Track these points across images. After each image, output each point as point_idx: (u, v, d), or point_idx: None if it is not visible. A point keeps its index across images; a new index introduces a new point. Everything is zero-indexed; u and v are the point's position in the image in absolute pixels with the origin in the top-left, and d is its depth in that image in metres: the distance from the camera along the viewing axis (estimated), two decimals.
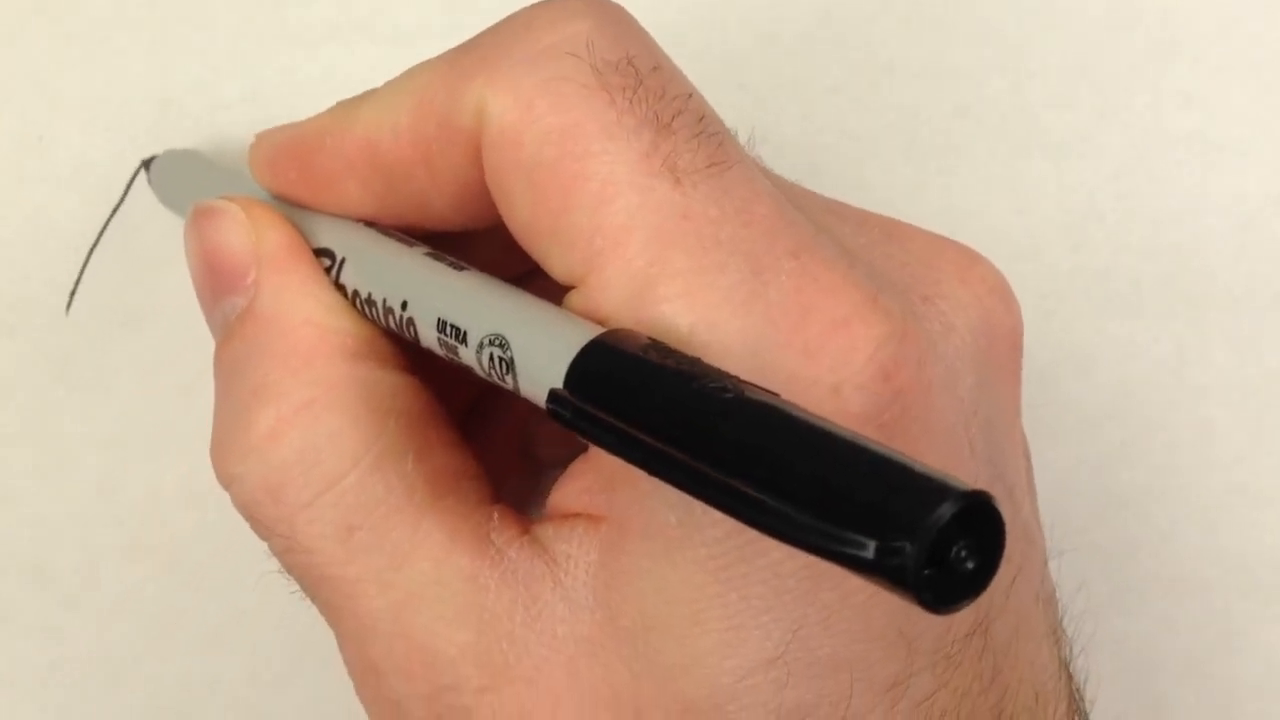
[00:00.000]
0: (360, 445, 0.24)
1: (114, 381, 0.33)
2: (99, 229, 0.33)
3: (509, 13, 0.25)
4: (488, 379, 0.23)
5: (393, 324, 0.25)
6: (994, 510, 0.17)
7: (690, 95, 0.24)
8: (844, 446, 0.18)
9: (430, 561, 0.24)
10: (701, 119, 0.23)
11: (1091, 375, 0.35)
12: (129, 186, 0.33)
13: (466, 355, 0.23)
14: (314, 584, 0.25)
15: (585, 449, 0.24)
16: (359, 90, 0.27)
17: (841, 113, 0.36)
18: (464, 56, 0.24)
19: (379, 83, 0.26)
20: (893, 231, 0.25)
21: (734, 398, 0.19)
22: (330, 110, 0.27)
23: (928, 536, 0.17)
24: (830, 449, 0.18)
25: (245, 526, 0.34)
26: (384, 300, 0.25)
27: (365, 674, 0.25)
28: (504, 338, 0.23)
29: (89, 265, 0.33)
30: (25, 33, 0.33)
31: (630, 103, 0.23)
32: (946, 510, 0.17)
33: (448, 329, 0.24)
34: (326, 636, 0.34)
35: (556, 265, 0.23)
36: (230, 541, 0.34)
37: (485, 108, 0.23)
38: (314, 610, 0.35)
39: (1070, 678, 0.26)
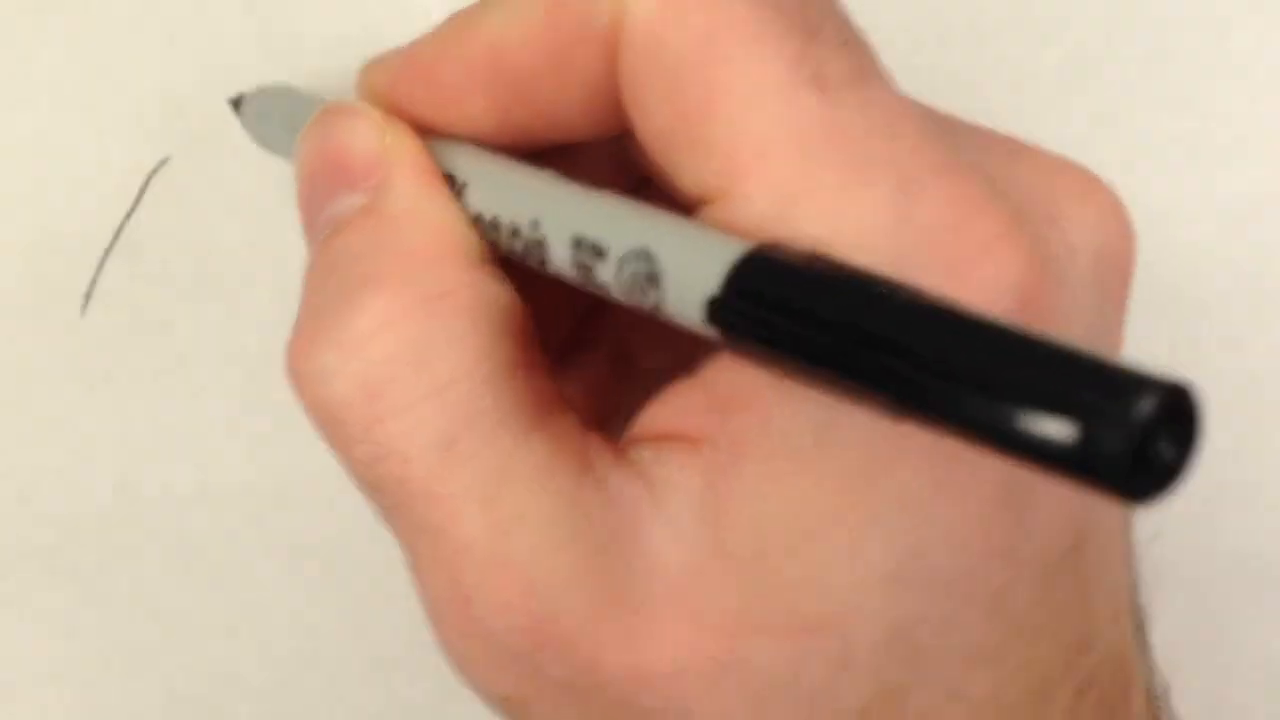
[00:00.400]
0: (475, 354, 0.23)
1: (129, 382, 0.34)
2: (114, 230, 0.33)
3: None
4: (625, 298, 0.22)
5: (518, 247, 0.24)
6: (1196, 402, 0.17)
7: (834, 2, 0.23)
8: (1037, 344, 0.17)
9: (534, 482, 0.23)
10: (846, 26, 0.23)
11: None
12: (144, 187, 0.33)
13: (604, 273, 0.22)
14: (405, 500, 0.23)
15: (684, 370, 0.24)
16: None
17: None
18: None
19: None
20: (1015, 151, 0.24)
21: (913, 302, 0.19)
22: (448, 23, 0.25)
23: (1137, 423, 0.16)
24: (1023, 347, 0.18)
25: (260, 524, 0.34)
26: (511, 221, 0.24)
27: (451, 604, 0.23)
28: (649, 251, 0.22)
29: (104, 267, 0.33)
30: (41, 33, 0.33)
31: (778, 8, 0.22)
32: (1155, 398, 0.16)
33: (584, 246, 0.23)
34: (339, 634, 0.34)
35: (689, 178, 0.22)
36: (245, 540, 0.34)
37: (625, 6, 0.22)
38: (329, 606, 0.35)
39: (1136, 596, 0.26)
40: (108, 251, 0.33)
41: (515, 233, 0.24)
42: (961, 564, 0.22)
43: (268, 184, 0.34)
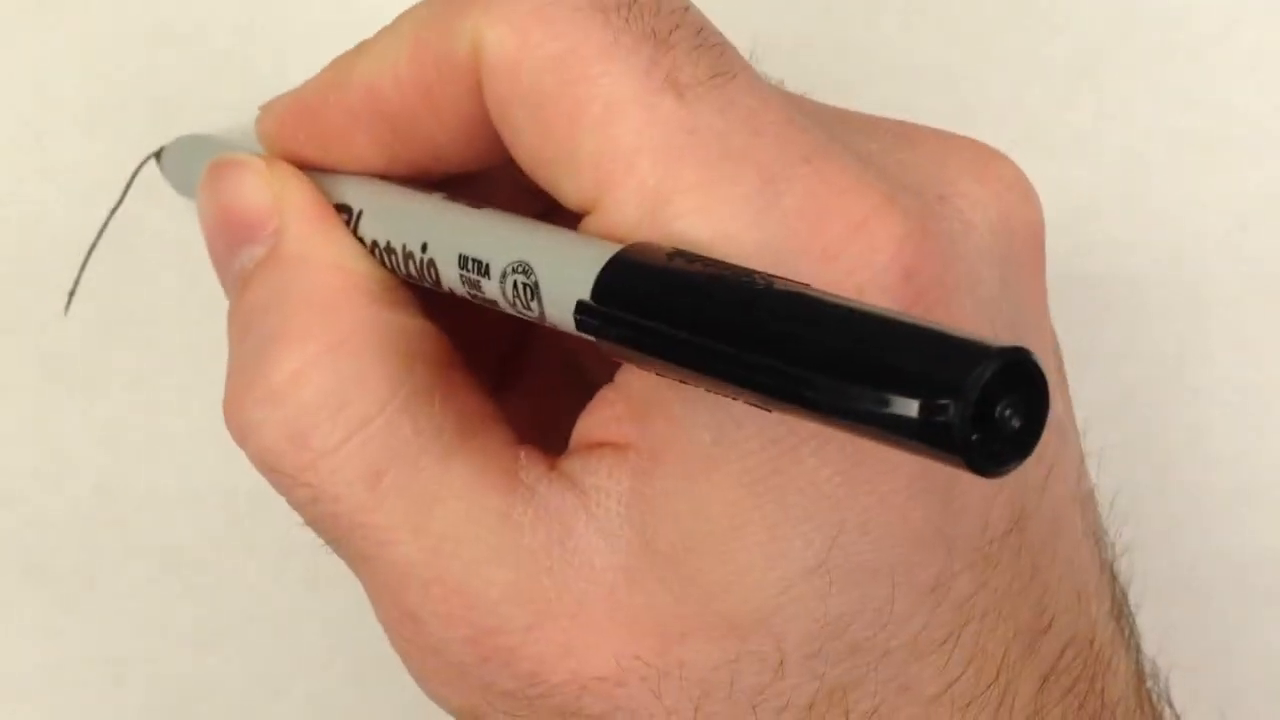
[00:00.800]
0: (387, 388, 0.24)
1: (113, 381, 0.33)
2: (98, 229, 0.33)
3: None
4: (513, 310, 0.23)
5: (413, 270, 0.25)
6: (1035, 367, 0.17)
7: (687, 8, 0.23)
8: (881, 321, 0.18)
9: (462, 502, 0.24)
10: (700, 31, 0.23)
11: (1091, 375, 0.35)
12: (128, 186, 0.33)
13: (490, 289, 0.23)
14: (343, 534, 0.25)
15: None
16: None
17: None
18: None
19: None
20: (904, 134, 0.25)
21: (765, 288, 0.19)
22: (328, 67, 0.26)
23: (972, 392, 0.16)
24: (867, 324, 0.18)
25: (244, 526, 0.34)
26: (404, 246, 0.25)
27: (401, 623, 0.24)
28: (527, 264, 0.22)
29: (88, 265, 0.33)
30: (25, 32, 0.33)
31: (626, 21, 0.23)
32: (989, 366, 0.16)
33: (469, 264, 0.23)
34: (325, 637, 0.34)
35: (568, 193, 0.23)
36: (230, 541, 0.34)
37: (481, 40, 0.23)
38: (314, 610, 0.35)
39: (1114, 579, 0.26)
40: (91, 250, 0.33)
41: (409, 257, 0.25)
42: (886, 553, 0.22)
43: None
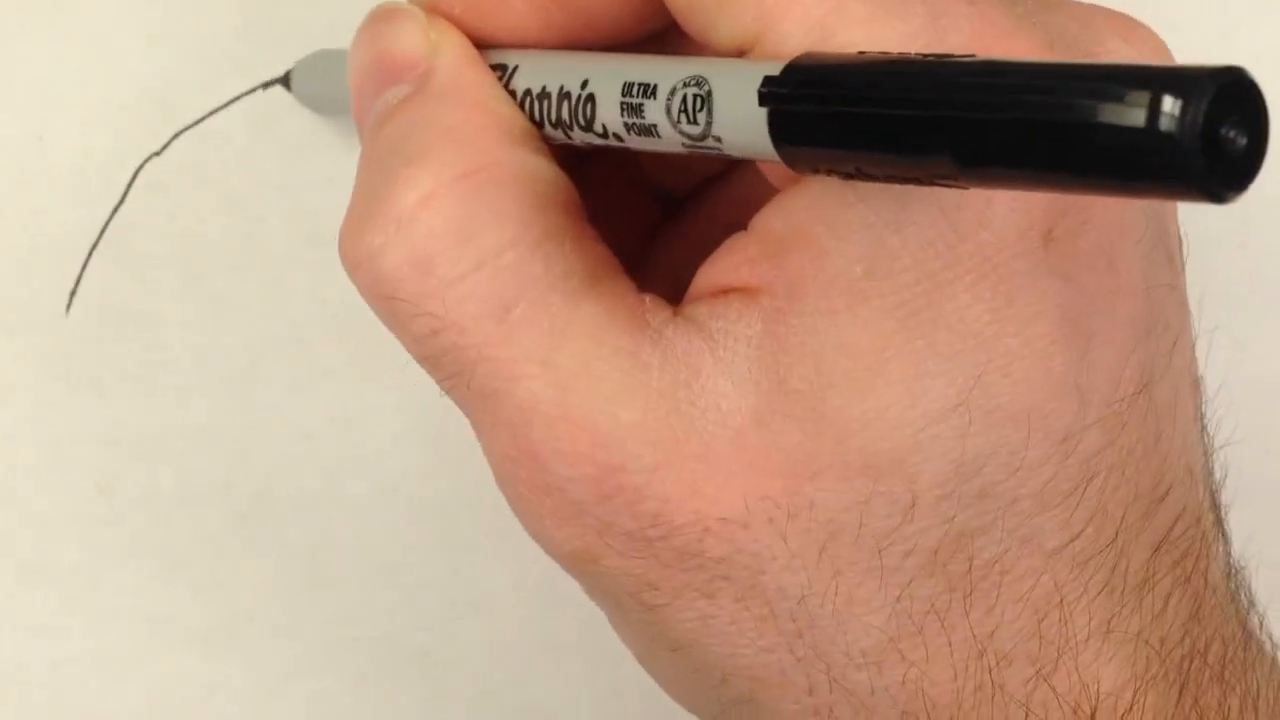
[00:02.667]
0: (520, 223, 0.24)
1: (114, 381, 0.33)
2: (99, 229, 0.33)
3: None
4: (673, 129, 0.23)
5: (565, 113, 0.25)
6: (1256, 86, 0.17)
7: None
8: (1090, 69, 0.17)
9: (591, 341, 0.23)
10: None
11: None
12: (129, 186, 0.33)
13: (653, 111, 0.23)
14: (465, 368, 0.24)
15: (725, 231, 0.24)
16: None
17: None
18: None
19: None
20: (1050, 2, 0.25)
21: (961, 59, 0.19)
22: None
23: (1201, 97, 0.16)
24: (1077, 73, 0.17)
25: (244, 526, 0.34)
26: (560, 87, 0.25)
27: (519, 462, 0.24)
28: (700, 76, 0.22)
29: (89, 265, 0.33)
30: (25, 33, 0.33)
31: None
32: (1214, 80, 0.16)
33: (634, 90, 0.23)
34: (325, 637, 0.34)
35: (724, 35, 0.23)
36: (230, 541, 0.34)
37: None
38: (314, 610, 0.35)
39: (1211, 470, 0.26)
40: (92, 250, 0.33)
41: (565, 97, 0.24)
42: (1025, 398, 0.22)
43: (254, 183, 0.33)
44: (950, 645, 0.23)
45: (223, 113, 0.33)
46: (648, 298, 0.24)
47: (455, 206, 0.24)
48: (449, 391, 0.25)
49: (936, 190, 0.21)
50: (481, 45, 0.26)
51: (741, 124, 0.21)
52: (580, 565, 0.24)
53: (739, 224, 0.24)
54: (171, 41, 0.33)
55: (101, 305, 0.33)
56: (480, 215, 0.24)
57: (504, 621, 0.35)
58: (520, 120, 0.25)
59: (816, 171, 0.21)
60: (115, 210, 0.33)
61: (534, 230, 0.24)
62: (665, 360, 0.23)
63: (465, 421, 0.34)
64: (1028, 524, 0.23)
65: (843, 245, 0.22)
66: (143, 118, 0.33)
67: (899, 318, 0.22)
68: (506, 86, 0.26)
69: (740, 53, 0.23)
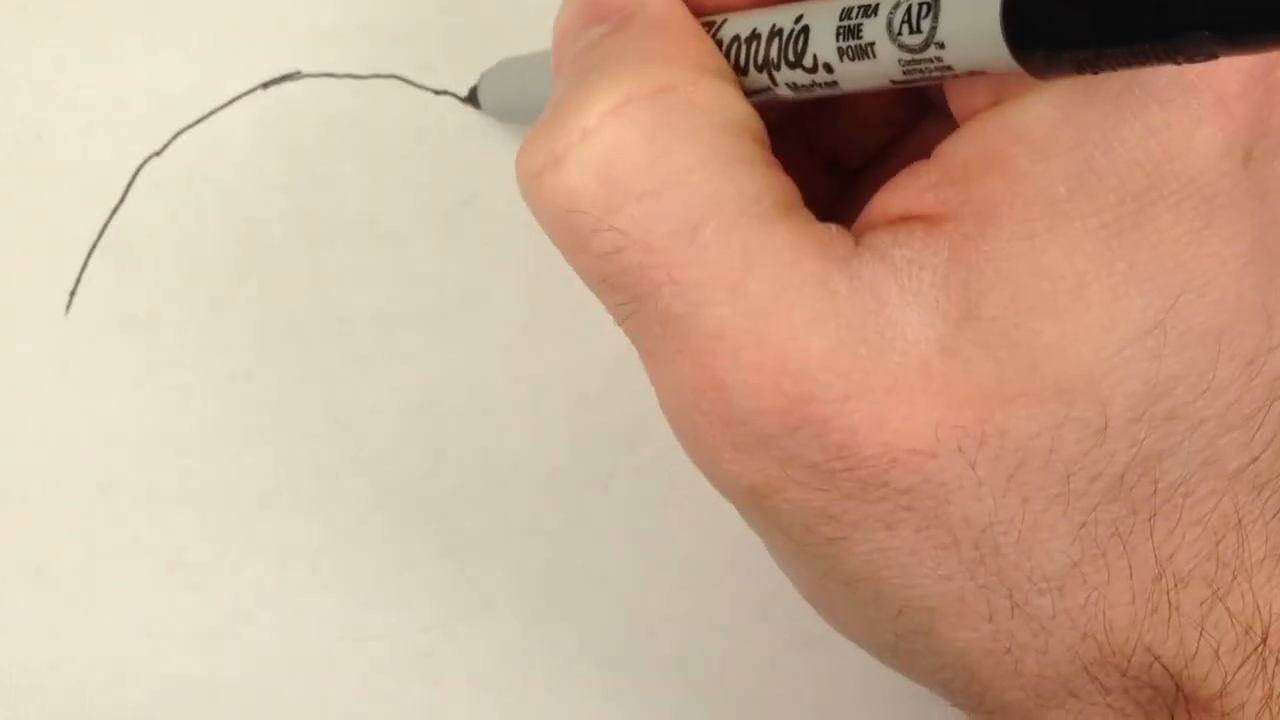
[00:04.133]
0: (712, 144, 0.23)
1: (114, 381, 0.33)
2: (99, 229, 0.33)
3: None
4: (892, 45, 0.22)
5: (774, 52, 0.24)
6: None
7: None
8: None
9: (781, 266, 0.23)
10: None
11: None
12: (129, 186, 0.33)
13: (872, 29, 0.22)
14: (649, 290, 0.23)
15: (902, 159, 0.24)
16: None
17: None
18: None
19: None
20: None
21: None
22: None
23: None
24: None
25: (244, 526, 0.34)
26: (772, 26, 0.24)
27: (702, 394, 0.23)
28: None
29: (89, 265, 0.33)
30: (25, 33, 0.33)
31: None
32: None
33: (854, 12, 0.22)
34: (325, 637, 0.34)
35: None
36: (230, 541, 0.34)
37: None
38: (314, 610, 0.34)
39: None
40: (92, 249, 0.33)
41: (775, 34, 0.24)
42: (1216, 319, 0.22)
43: (253, 182, 0.33)
44: (1131, 568, 0.23)
45: (222, 113, 0.33)
46: (833, 227, 0.23)
47: (647, 119, 0.23)
48: (624, 319, 0.24)
49: (1145, 109, 0.21)
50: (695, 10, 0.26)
51: (970, 27, 0.21)
52: (756, 500, 0.24)
53: None
54: (171, 41, 0.33)
55: (101, 305, 0.33)
56: (672, 132, 0.23)
57: (504, 621, 0.35)
58: (719, 59, 0.24)
59: (1048, 70, 0.20)
60: (115, 210, 0.33)
61: (725, 152, 0.23)
62: (853, 289, 0.22)
63: (465, 421, 0.34)
64: (1211, 446, 0.23)
65: (1046, 166, 0.22)
66: (142, 118, 0.33)
67: (1101, 239, 0.22)
68: (714, 36, 0.25)
69: None
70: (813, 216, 0.24)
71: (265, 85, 0.33)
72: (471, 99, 0.33)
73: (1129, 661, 0.23)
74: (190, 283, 0.33)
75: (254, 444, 0.34)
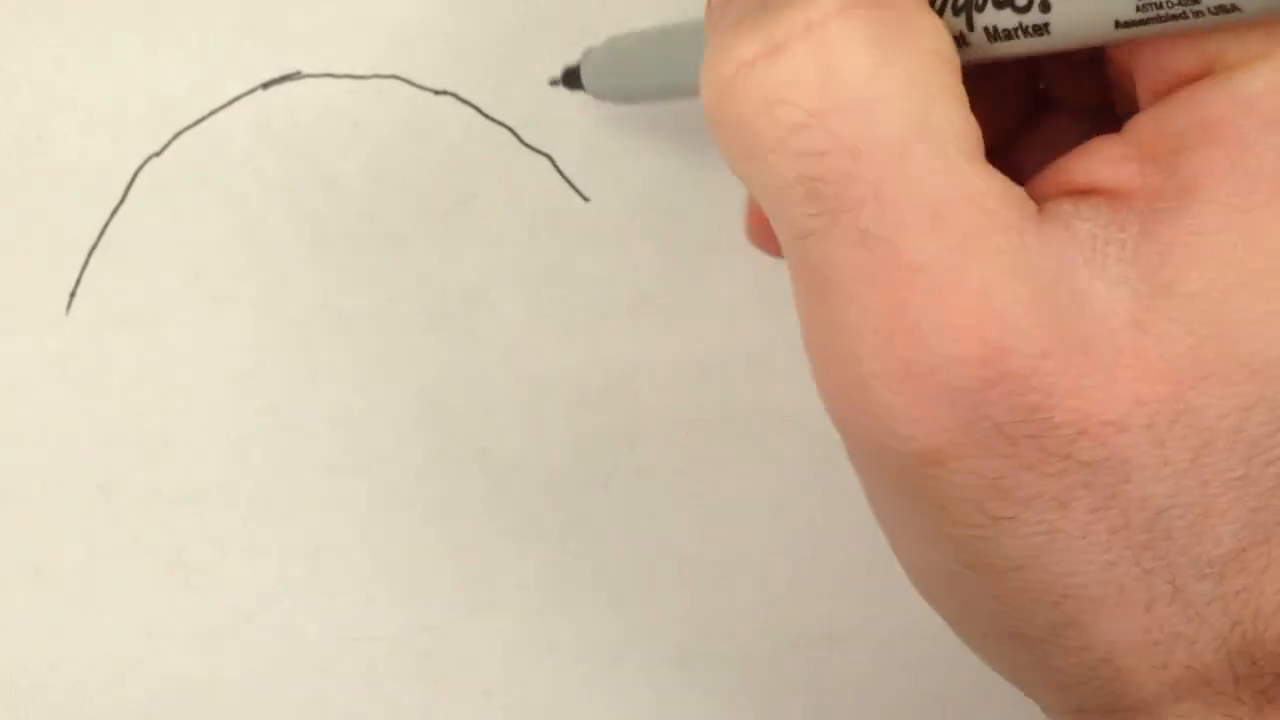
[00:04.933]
0: (933, 69, 0.22)
1: (114, 381, 0.33)
2: (99, 229, 0.33)
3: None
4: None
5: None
6: None
7: None
8: None
9: (982, 209, 0.22)
10: None
11: None
12: (129, 186, 0.33)
13: None
14: (849, 205, 0.22)
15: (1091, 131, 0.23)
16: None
17: None
18: None
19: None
20: None
21: None
22: None
23: None
24: None
25: (244, 526, 0.34)
26: None
27: (890, 334, 0.22)
28: None
29: (89, 265, 0.33)
30: (25, 33, 0.33)
31: None
32: None
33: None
34: (325, 636, 0.33)
35: None
36: (230, 541, 0.34)
37: None
38: (314, 610, 0.34)
39: None
40: (92, 249, 0.33)
41: None
42: None
43: (253, 182, 0.33)
44: None
45: (222, 113, 0.33)
46: (1021, 188, 0.23)
47: (874, 26, 0.22)
48: (806, 235, 0.22)
49: None
50: None
51: None
52: (923, 468, 0.23)
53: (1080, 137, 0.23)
54: (171, 41, 0.33)
55: (101, 305, 0.33)
56: (895, 45, 0.22)
57: (504, 621, 0.35)
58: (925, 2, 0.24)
59: None
60: (115, 210, 0.33)
61: (939, 80, 0.22)
62: (1045, 248, 0.22)
63: (465, 422, 0.34)
64: None
65: (1260, 136, 0.21)
66: (143, 118, 0.33)
67: None
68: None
69: None
70: (1003, 176, 0.23)
71: (265, 85, 0.33)
72: (569, 80, 0.33)
73: (1264, 650, 0.23)
74: (190, 283, 0.33)
75: (254, 444, 0.34)
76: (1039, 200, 0.22)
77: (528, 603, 0.35)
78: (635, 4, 0.34)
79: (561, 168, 0.34)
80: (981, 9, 0.23)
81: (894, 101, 0.22)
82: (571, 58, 0.33)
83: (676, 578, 0.35)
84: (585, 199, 0.34)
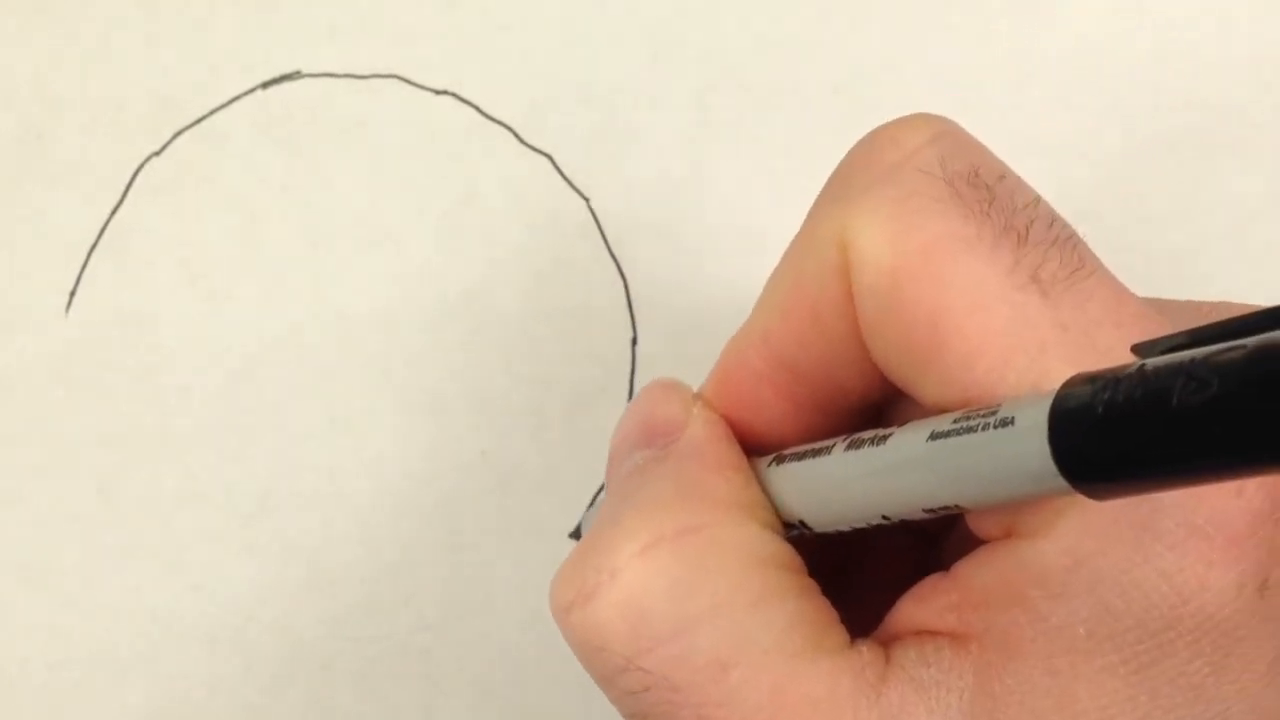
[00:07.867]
0: (741, 581, 0.23)
1: (114, 381, 0.33)
2: (99, 229, 0.33)
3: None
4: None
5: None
6: None
7: (1038, 201, 0.23)
8: None
9: (811, 706, 0.23)
10: (1052, 224, 0.23)
11: None
12: (129, 186, 0.33)
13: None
14: None
15: (926, 568, 0.24)
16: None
17: (841, 113, 0.36)
18: (819, 202, 0.25)
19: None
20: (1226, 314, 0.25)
21: (1243, 354, 0.17)
22: (733, 338, 0.27)
23: None
24: None
25: (244, 526, 0.34)
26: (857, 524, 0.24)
27: None
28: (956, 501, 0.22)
29: (89, 265, 0.33)
30: (25, 33, 0.33)
31: (986, 215, 0.23)
32: None
33: (936, 509, 0.23)
34: (325, 637, 0.34)
35: (931, 392, 0.23)
36: (230, 541, 0.34)
37: (846, 237, 0.23)
38: (314, 610, 0.34)
39: None
40: (92, 249, 0.33)
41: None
42: None
43: (253, 182, 0.33)
44: None
45: (222, 112, 0.33)
46: (864, 649, 0.24)
47: (672, 562, 0.23)
48: None
49: (1157, 555, 0.21)
50: (742, 436, 0.26)
51: (1019, 473, 0.20)
52: None
53: (927, 562, 0.24)
54: (171, 41, 0.33)
55: (101, 305, 0.33)
56: (697, 572, 0.23)
57: (504, 621, 0.35)
58: (752, 490, 0.25)
59: (1109, 497, 0.20)
60: (115, 209, 0.33)
61: (752, 588, 0.23)
62: (885, 714, 0.23)
63: (465, 421, 0.34)
64: None
65: (1064, 608, 0.22)
66: (142, 118, 0.33)
67: (1122, 675, 0.22)
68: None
69: (949, 409, 0.22)
70: (847, 639, 0.24)
71: (265, 85, 0.33)
72: (577, 536, 0.34)
73: None
74: (190, 283, 0.33)
75: (254, 444, 0.34)
76: (889, 640, 0.24)
77: (528, 603, 0.35)
78: (635, 4, 0.34)
79: (561, 168, 0.34)
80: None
81: (703, 630, 0.23)
82: (572, 58, 0.33)
83: None
84: (585, 199, 0.34)
